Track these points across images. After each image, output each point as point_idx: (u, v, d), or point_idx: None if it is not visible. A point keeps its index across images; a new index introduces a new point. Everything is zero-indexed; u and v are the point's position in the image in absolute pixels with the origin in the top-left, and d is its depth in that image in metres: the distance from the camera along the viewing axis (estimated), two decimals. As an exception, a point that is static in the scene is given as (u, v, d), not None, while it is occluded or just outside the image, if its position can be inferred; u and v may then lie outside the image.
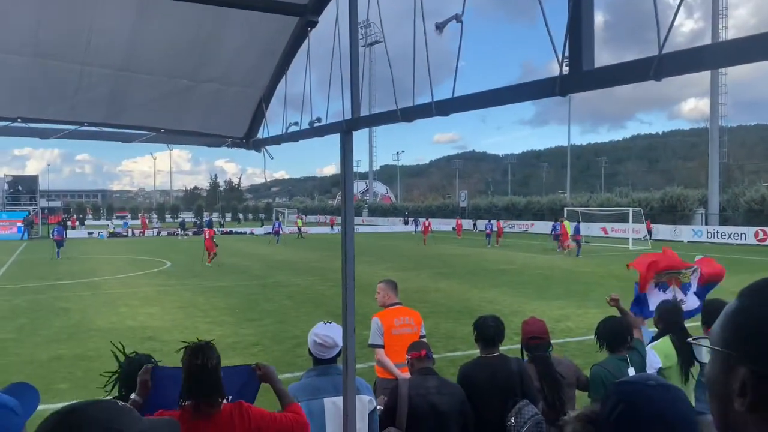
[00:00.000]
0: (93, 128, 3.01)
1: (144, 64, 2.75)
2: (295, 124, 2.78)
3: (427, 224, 44.56)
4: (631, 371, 4.21)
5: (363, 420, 3.39)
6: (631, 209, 37.50)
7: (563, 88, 1.35)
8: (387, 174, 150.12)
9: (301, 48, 2.85)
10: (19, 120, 2.78)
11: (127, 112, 3.02)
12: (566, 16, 1.37)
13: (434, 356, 4.11)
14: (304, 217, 69.86)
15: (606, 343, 4.34)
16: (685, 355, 4.47)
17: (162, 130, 3.17)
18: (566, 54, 1.36)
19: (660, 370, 4.44)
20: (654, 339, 4.81)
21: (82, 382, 8.51)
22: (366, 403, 3.42)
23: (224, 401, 2.63)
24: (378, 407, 3.69)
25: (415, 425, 3.60)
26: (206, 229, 30.52)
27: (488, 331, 3.98)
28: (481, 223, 58.51)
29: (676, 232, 42.34)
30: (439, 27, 1.65)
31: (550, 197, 67.91)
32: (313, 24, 2.63)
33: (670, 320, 4.65)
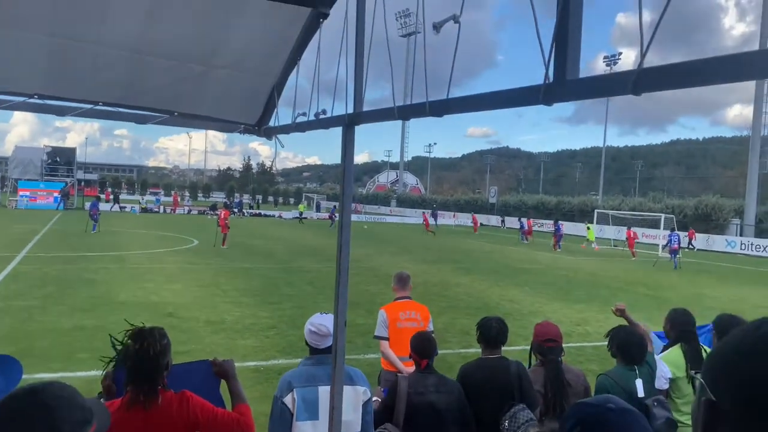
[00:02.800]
0: (108, 108, 3.06)
1: (159, 48, 2.79)
2: (303, 114, 2.79)
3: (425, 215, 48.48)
4: (639, 383, 4.12)
5: (356, 410, 3.40)
6: (663, 215, 36.76)
7: (547, 96, 1.33)
8: (418, 165, 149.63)
9: (314, 39, 2.85)
10: (35, 96, 2.85)
11: (142, 94, 3.06)
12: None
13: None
14: (306, 202, 71.95)
15: (618, 351, 4.23)
16: (696, 363, 4.36)
17: (176, 113, 3.22)
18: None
19: (670, 381, 4.36)
20: (665, 348, 4.70)
21: (101, 353, 8.69)
22: (360, 393, 3.43)
23: (167, 390, 2.57)
24: (374, 399, 3.70)
25: (413, 423, 3.61)
26: (221, 209, 30.44)
27: (491, 332, 3.95)
28: (510, 220, 58.55)
29: (709, 242, 41.40)
30: (436, 27, 1.63)
31: (582, 198, 67.03)
32: (325, 16, 2.63)
33: (682, 328, 4.54)
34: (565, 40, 1.29)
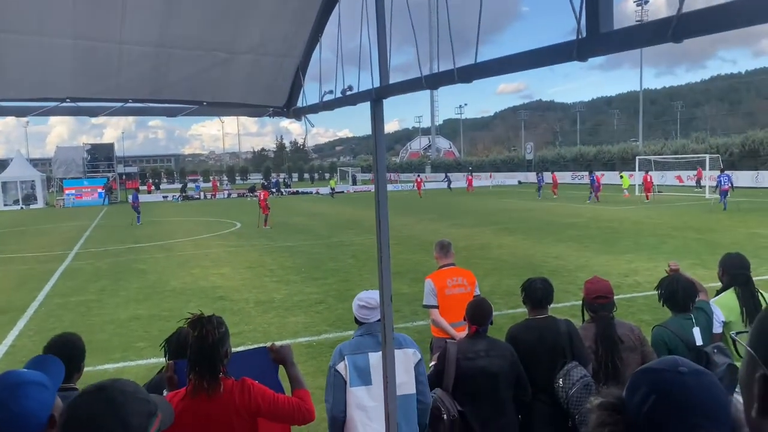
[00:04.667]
0: (138, 104, 3.09)
1: (180, 40, 2.78)
2: (330, 92, 2.76)
3: (419, 180, 50.80)
4: (696, 331, 4.04)
5: (408, 372, 3.48)
6: (708, 156, 35.61)
7: (581, 52, 1.27)
8: (450, 128, 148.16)
9: (334, 13, 2.80)
10: (67, 100, 2.89)
11: (170, 87, 3.07)
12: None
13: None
14: (335, 176, 75.75)
15: (669, 301, 4.15)
16: (751, 307, 4.26)
17: (204, 103, 3.23)
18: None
19: (724, 324, 4.27)
20: (718, 293, 4.59)
21: (158, 341, 8.98)
22: (410, 355, 3.52)
23: (228, 377, 2.61)
24: (432, 363, 3.76)
25: (463, 388, 3.64)
26: (260, 191, 30.65)
27: (536, 294, 3.90)
28: (547, 176, 57.70)
29: (758, 179, 39.97)
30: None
31: (622, 146, 65.06)
32: (342, -11, 2.57)
33: (735, 272, 4.42)
34: (596, -9, 1.22)
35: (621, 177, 37.42)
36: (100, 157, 57.73)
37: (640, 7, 65.91)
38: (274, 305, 11.23)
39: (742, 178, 40.34)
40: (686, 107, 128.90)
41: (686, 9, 1.06)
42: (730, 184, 26.90)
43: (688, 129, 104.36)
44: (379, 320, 3.43)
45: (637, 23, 1.14)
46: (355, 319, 3.58)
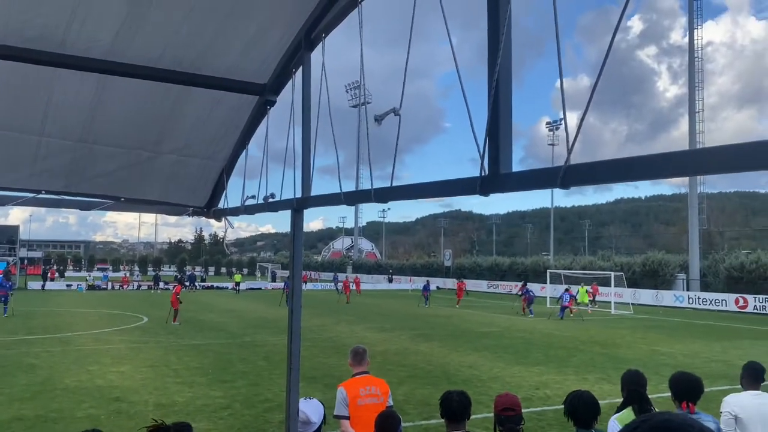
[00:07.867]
0: (52, 196, 3.01)
1: (104, 136, 2.79)
2: (253, 197, 2.81)
3: (351, 282, 45.72)
4: (598, 447, 4.12)
5: None
6: (612, 273, 37.65)
7: (483, 188, 1.39)
8: (373, 230, 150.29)
9: (262, 123, 2.91)
10: (-26, 188, 2.78)
11: (87, 181, 3.03)
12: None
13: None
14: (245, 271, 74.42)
15: (572, 417, 4.23)
16: None
17: (122, 199, 3.18)
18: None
19: None
20: (619, 409, 4.72)
21: (41, 446, 8.19)
22: None
23: None
24: None
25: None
26: (174, 284, 29.14)
27: (452, 407, 3.90)
28: (472, 283, 58.62)
29: (658, 297, 42.44)
30: (378, 120, 1.70)
31: (534, 258, 68.04)
32: (272, 103, 2.69)
33: (630, 388, 4.58)
34: (497, 138, 1.36)
35: (581, 290, 34.99)
36: (1, 239, 54.24)
37: (552, 132, 71.42)
38: (175, 409, 10.52)
39: (644, 296, 42.74)
40: (593, 226, 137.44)
41: (573, 161, 1.21)
42: (570, 301, 30.97)
43: (595, 246, 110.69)
44: None
45: (531, 170, 1.28)
46: None
